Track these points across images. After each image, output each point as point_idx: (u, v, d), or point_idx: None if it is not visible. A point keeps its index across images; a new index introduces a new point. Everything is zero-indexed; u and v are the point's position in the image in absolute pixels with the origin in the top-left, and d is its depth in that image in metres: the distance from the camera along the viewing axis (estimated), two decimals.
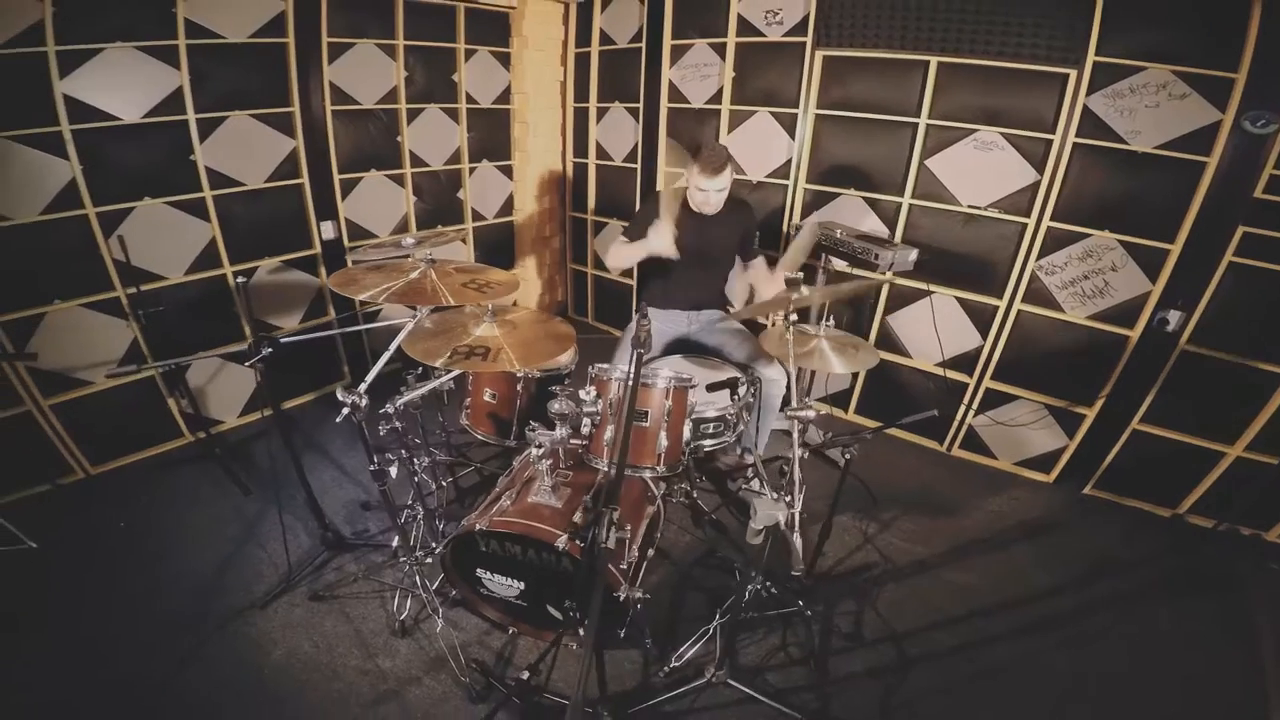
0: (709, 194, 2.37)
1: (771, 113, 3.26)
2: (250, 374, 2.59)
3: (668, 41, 3.48)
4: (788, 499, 1.42)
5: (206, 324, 3.00)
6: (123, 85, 2.57)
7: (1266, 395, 2.45)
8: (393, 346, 1.82)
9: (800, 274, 1.78)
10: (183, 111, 2.72)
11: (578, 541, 1.11)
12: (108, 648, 1.97)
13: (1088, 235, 2.65)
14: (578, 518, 1.64)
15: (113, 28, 2.48)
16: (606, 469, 1.92)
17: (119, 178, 2.62)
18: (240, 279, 2.03)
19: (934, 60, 2.74)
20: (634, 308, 2.83)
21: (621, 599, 1.79)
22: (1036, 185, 2.69)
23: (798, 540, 1.48)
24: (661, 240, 2.26)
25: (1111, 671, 2.03)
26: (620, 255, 2.48)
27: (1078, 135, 2.55)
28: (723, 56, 3.32)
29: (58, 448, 2.67)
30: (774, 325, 2.76)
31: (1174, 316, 2.54)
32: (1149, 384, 2.66)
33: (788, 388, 2.75)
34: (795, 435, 1.56)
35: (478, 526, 1.79)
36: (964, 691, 1.94)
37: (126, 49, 2.52)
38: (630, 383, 1.45)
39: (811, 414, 1.57)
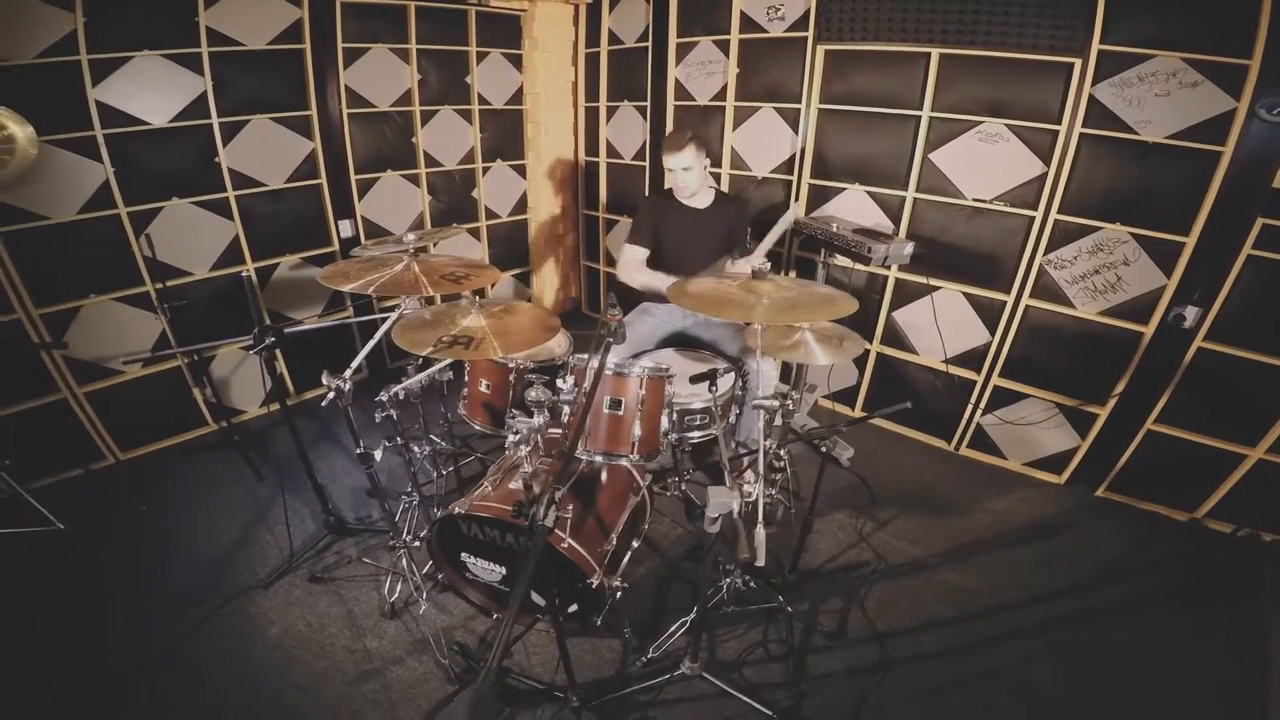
0: (676, 173, 2.44)
1: (775, 108, 3.24)
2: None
3: (673, 40, 3.50)
4: (745, 487, 1.42)
5: (228, 317, 3.14)
6: (151, 91, 2.72)
7: None
8: (378, 336, 1.90)
9: (767, 264, 1.77)
10: (207, 116, 2.87)
11: (520, 518, 1.14)
12: (118, 622, 2.10)
13: (1098, 228, 2.55)
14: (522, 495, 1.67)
15: (140, 36, 2.63)
16: (584, 455, 1.96)
17: (148, 179, 2.78)
18: (245, 273, 2.14)
19: (935, 52, 2.68)
20: (640, 301, 2.87)
21: (595, 586, 1.83)
22: (1044, 177, 2.61)
23: (760, 531, 1.48)
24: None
25: (1103, 683, 1.95)
26: (632, 277, 2.74)
27: (1085, 125, 2.46)
28: (726, 53, 3.32)
29: (90, 434, 2.85)
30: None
31: (1190, 312, 2.43)
32: (1164, 382, 2.54)
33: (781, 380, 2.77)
34: (760, 424, 1.57)
35: (456, 510, 1.85)
36: (942, 697, 1.89)
37: (153, 57, 2.68)
38: (595, 370, 1.48)
39: (775, 403, 1.58)
